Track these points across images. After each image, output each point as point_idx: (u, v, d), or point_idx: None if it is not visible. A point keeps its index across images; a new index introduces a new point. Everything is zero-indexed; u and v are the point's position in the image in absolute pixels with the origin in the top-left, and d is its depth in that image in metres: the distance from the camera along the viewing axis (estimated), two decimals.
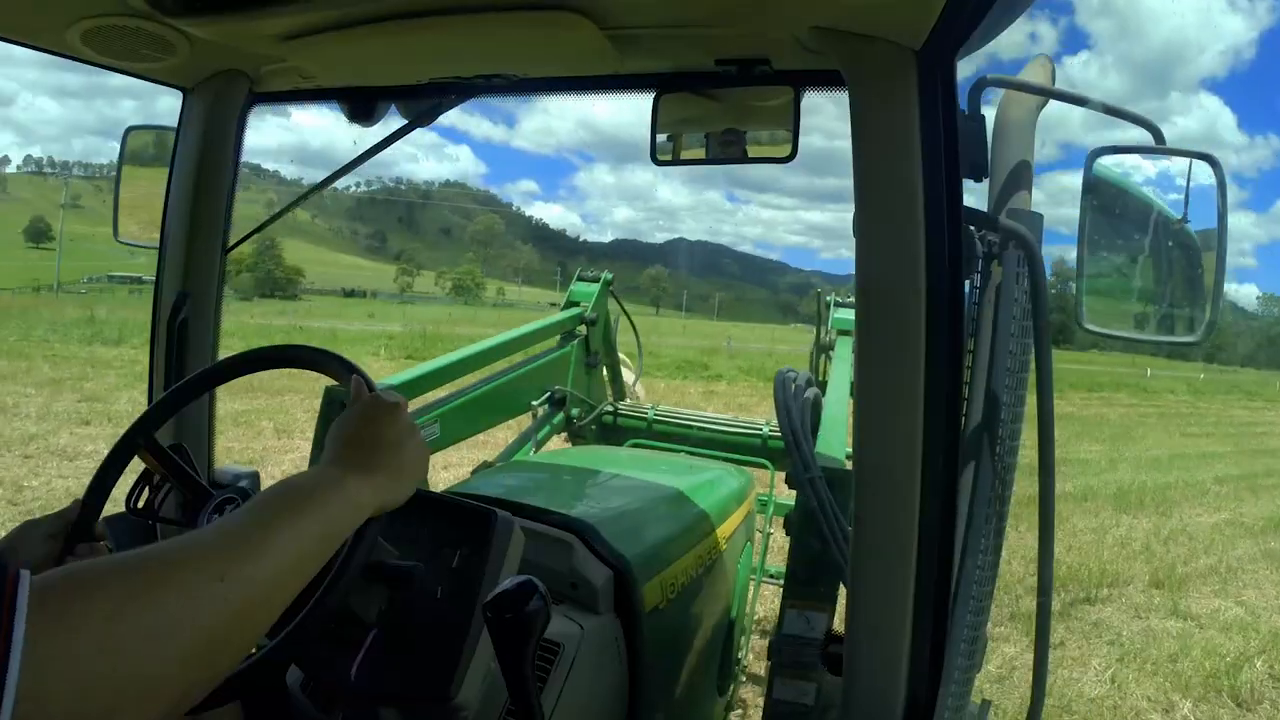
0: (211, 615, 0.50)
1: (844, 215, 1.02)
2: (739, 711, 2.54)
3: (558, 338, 2.77)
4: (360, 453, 0.74)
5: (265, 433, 7.43)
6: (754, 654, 2.49)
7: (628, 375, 3.38)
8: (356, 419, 0.78)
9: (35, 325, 16.32)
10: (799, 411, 1.60)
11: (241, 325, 21.98)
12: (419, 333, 21.34)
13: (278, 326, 24.20)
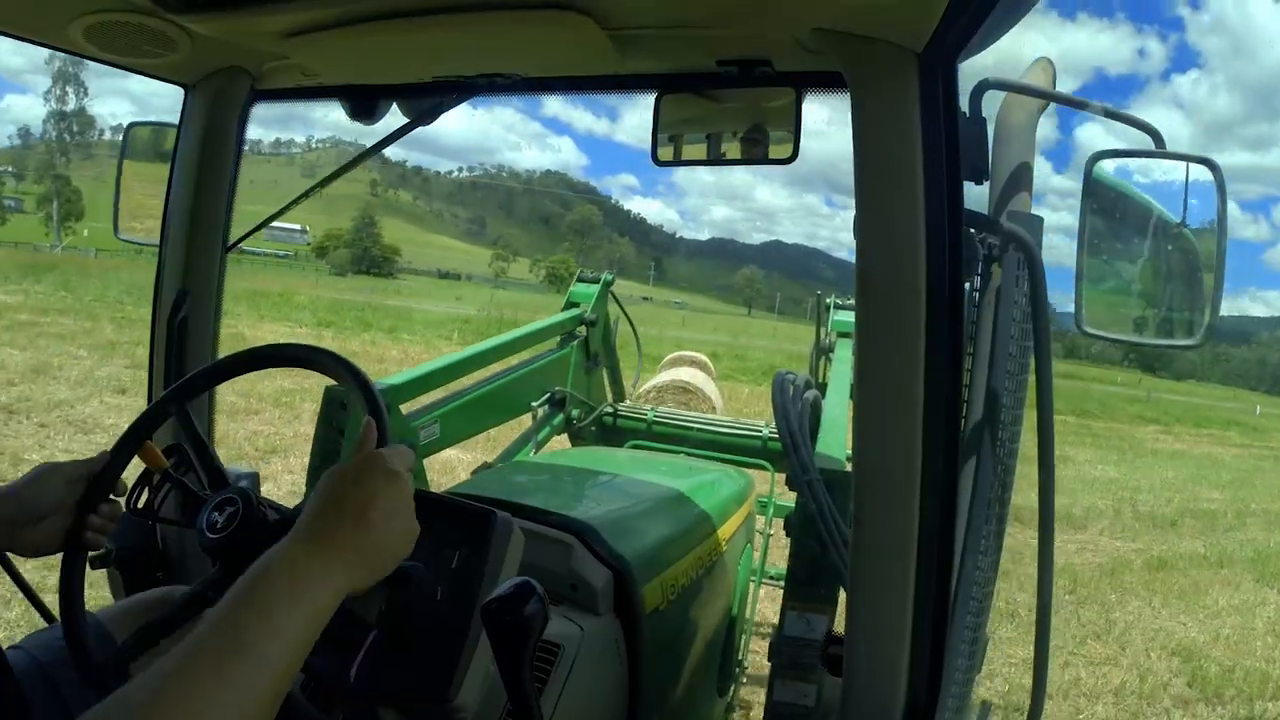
0: None
1: None
2: (739, 712, 2.54)
3: (558, 339, 2.77)
4: (344, 526, 0.70)
5: (304, 416, 6.94)
6: (754, 655, 2.49)
7: (705, 381, 3.30)
8: (352, 481, 0.74)
9: (113, 286, 16.23)
10: (798, 414, 1.60)
11: (315, 299, 21.52)
12: (495, 318, 20.85)
13: (352, 302, 23.58)
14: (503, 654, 0.76)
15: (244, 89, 1.36)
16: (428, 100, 1.38)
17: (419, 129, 1.42)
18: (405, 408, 1.86)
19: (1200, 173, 1.02)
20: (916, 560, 0.96)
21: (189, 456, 1.02)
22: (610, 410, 2.91)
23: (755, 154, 1.29)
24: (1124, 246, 1.08)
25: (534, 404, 2.46)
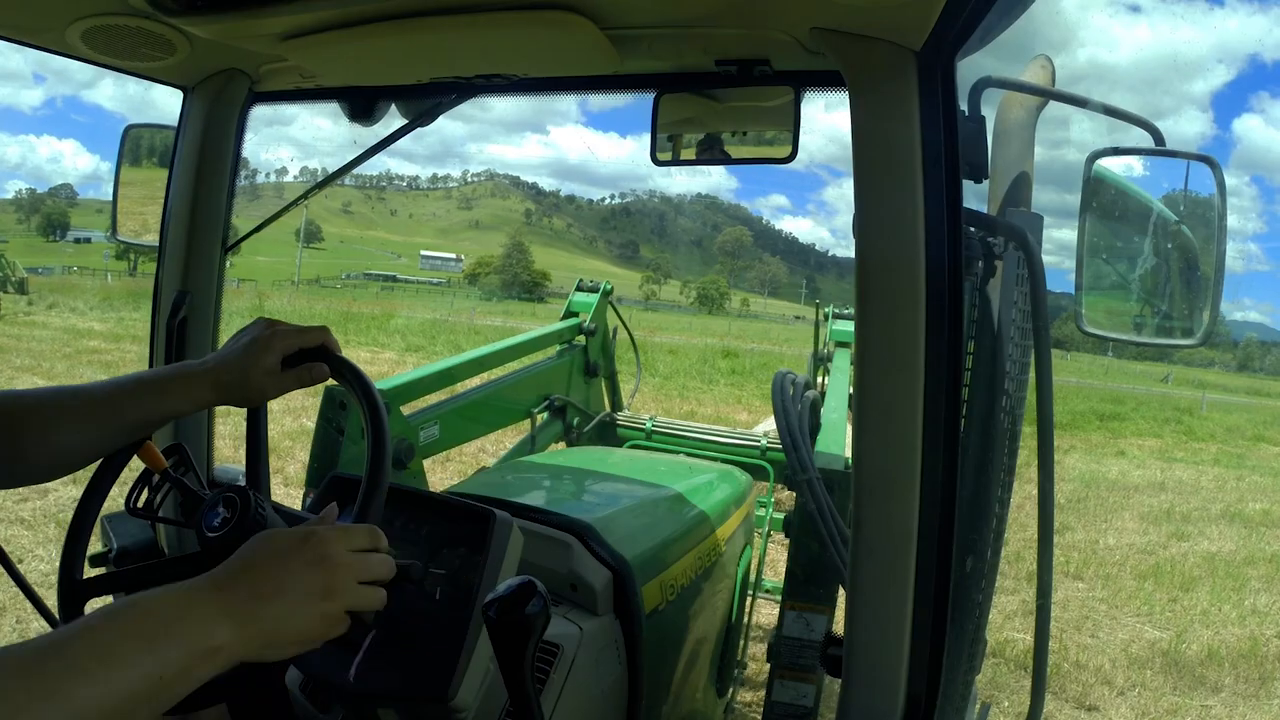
0: None
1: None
2: (738, 712, 2.53)
3: (558, 347, 2.77)
4: (248, 586, 0.64)
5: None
6: (752, 658, 2.48)
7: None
8: (285, 547, 0.68)
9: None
10: (797, 414, 1.60)
11: (428, 323, 20.91)
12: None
13: (455, 324, 23.30)
14: (504, 654, 0.76)
15: (242, 91, 1.36)
16: (426, 101, 1.38)
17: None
18: (405, 409, 1.86)
19: (1200, 171, 1.02)
20: (916, 560, 0.96)
21: (188, 456, 1.02)
22: (609, 419, 2.91)
23: (754, 153, 1.29)
24: (1124, 245, 1.07)
25: (533, 410, 2.47)
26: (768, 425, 5.03)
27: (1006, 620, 4.01)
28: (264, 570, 0.67)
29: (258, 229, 1.66)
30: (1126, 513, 7.44)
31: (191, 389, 0.91)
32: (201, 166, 1.41)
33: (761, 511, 2.52)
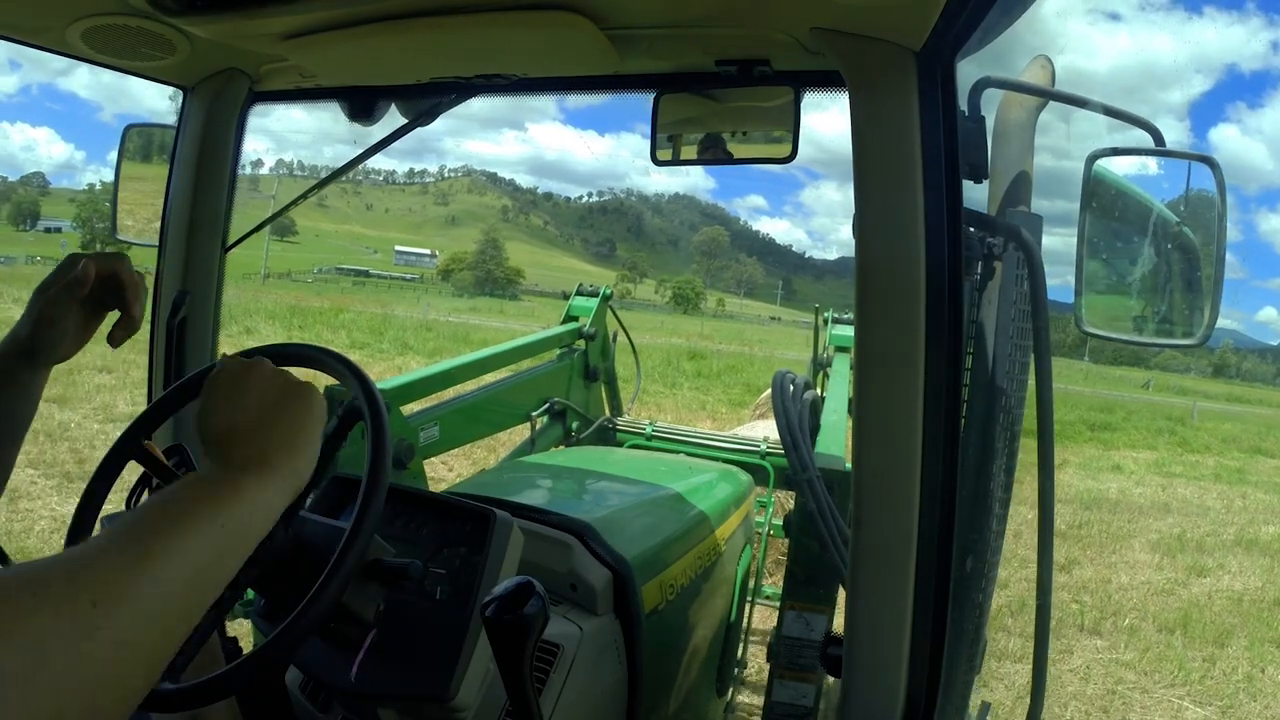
0: (85, 647, 0.43)
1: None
2: (738, 712, 2.53)
3: (558, 351, 2.77)
4: (246, 441, 0.65)
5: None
6: (752, 657, 2.48)
7: None
8: (223, 398, 0.68)
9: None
10: (797, 413, 1.60)
11: (372, 319, 20.04)
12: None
13: (407, 320, 22.25)
14: (503, 654, 0.76)
15: (243, 90, 1.36)
16: (426, 101, 1.38)
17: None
18: (405, 410, 1.86)
19: (1201, 171, 1.02)
20: (916, 560, 0.96)
21: (189, 457, 1.02)
22: (609, 424, 2.90)
23: (755, 153, 1.29)
24: (1124, 245, 1.07)
25: (533, 413, 2.46)
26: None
27: (1019, 701, 3.27)
28: (236, 417, 0.67)
29: (259, 228, 1.66)
30: (1135, 541, 6.85)
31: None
32: (201, 166, 1.41)
33: (760, 517, 2.52)
